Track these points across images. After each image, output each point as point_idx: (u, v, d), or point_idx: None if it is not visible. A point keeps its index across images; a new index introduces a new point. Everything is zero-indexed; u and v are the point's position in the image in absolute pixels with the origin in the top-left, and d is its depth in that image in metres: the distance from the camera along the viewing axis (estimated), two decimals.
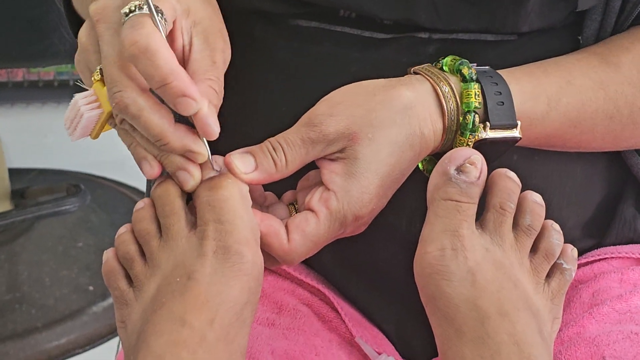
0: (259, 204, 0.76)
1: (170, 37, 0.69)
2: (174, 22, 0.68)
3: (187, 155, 0.68)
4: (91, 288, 2.03)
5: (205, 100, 0.66)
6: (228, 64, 0.72)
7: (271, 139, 0.71)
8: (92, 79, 0.69)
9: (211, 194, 0.69)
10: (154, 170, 0.70)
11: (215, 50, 0.70)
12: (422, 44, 0.81)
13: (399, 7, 0.79)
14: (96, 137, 0.71)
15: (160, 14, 0.65)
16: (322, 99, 0.72)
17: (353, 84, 0.73)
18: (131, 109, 0.65)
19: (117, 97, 0.65)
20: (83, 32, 0.70)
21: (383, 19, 0.81)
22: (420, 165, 0.77)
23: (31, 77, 2.97)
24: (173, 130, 0.67)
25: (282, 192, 0.78)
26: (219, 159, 0.72)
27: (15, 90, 2.98)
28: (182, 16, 0.69)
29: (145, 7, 0.64)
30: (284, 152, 0.70)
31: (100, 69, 0.68)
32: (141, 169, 0.70)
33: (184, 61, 0.70)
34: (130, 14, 0.64)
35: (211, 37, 0.70)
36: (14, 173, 2.21)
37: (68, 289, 2.02)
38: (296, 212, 0.75)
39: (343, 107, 0.70)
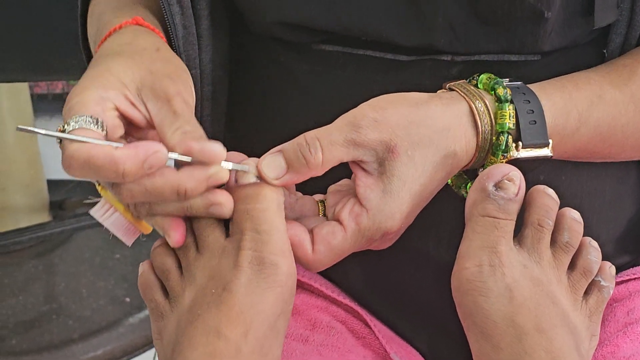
0: (288, 193, 0.74)
1: (127, 120, 0.68)
2: (117, 108, 0.67)
3: (211, 182, 0.66)
4: (127, 299, 2.04)
5: (179, 144, 0.64)
6: (193, 92, 0.71)
7: (308, 134, 0.69)
8: (98, 189, 0.70)
9: (249, 202, 0.68)
10: (176, 237, 0.69)
11: (170, 100, 0.67)
12: (445, 67, 0.81)
13: (418, 33, 0.79)
14: (146, 230, 0.71)
15: (86, 120, 0.64)
16: (365, 103, 0.70)
17: (396, 93, 0.72)
18: (137, 192, 0.64)
19: (118, 194, 0.65)
20: None
21: (404, 45, 0.81)
22: (449, 181, 0.77)
23: (70, 89, 2.97)
24: (181, 176, 0.65)
25: (314, 193, 0.77)
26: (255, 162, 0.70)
27: (55, 102, 3.01)
28: (120, 97, 0.67)
29: (69, 126, 0.64)
30: (322, 149, 0.68)
31: None
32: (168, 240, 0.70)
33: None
34: (60, 144, 0.64)
35: (159, 90, 0.68)
36: (52, 184, 2.23)
37: (105, 300, 2.04)
38: (324, 211, 0.74)
39: (388, 114, 0.69)
